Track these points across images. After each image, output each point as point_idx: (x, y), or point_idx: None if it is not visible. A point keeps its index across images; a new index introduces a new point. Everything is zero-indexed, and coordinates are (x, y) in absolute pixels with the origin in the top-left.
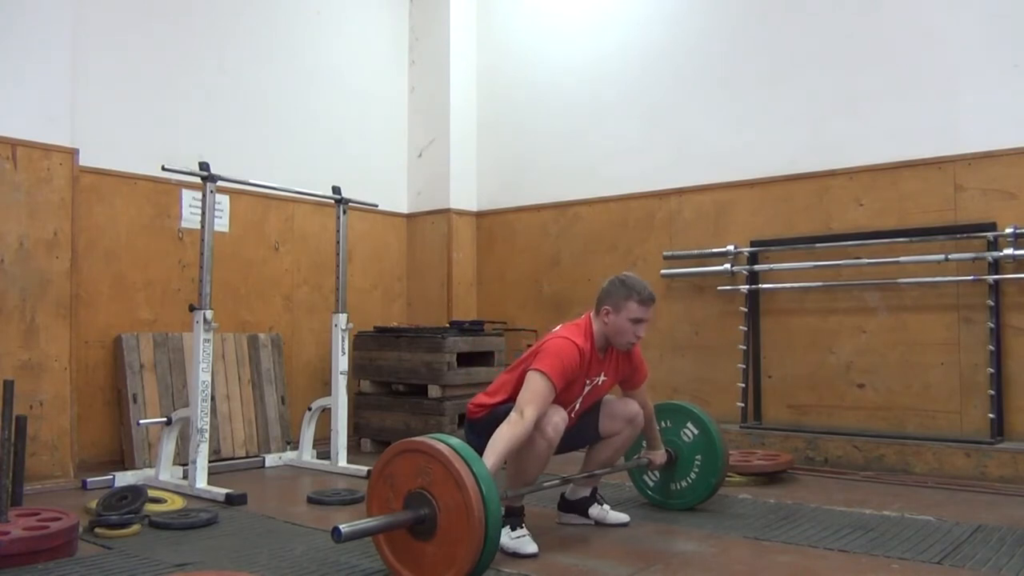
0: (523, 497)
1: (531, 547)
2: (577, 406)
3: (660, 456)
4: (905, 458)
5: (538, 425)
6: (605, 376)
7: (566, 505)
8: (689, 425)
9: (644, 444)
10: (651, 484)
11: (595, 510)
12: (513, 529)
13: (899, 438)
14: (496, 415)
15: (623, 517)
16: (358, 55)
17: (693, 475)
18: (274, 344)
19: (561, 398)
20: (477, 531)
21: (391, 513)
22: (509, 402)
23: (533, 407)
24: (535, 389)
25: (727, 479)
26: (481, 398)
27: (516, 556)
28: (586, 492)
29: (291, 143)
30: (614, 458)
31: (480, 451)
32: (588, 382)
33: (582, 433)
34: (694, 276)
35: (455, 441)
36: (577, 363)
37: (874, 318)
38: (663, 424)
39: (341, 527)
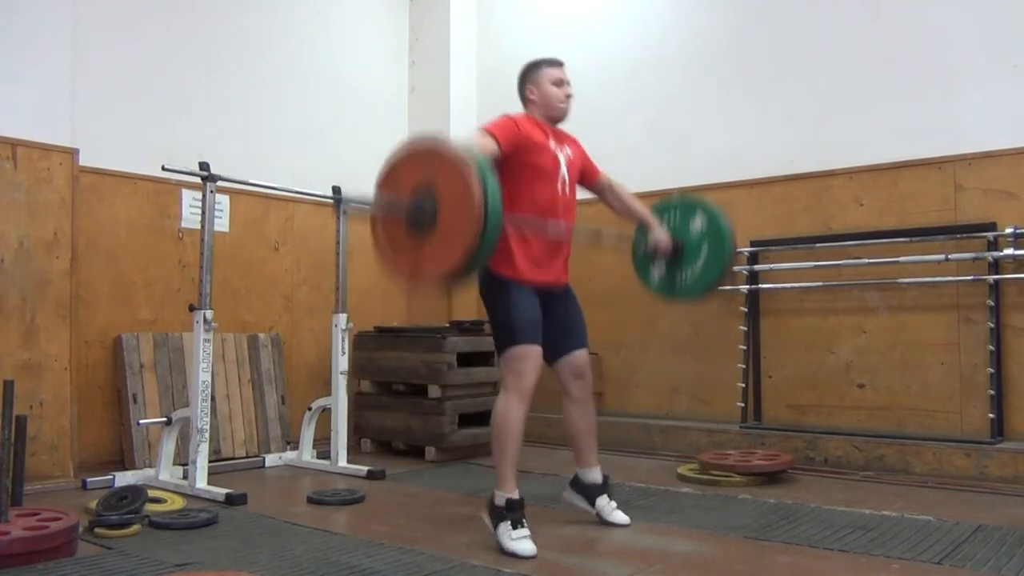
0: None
1: (530, 549)
2: (565, 177)
3: (663, 236)
4: (905, 458)
5: (516, 387)
6: (570, 150)
7: (578, 486)
8: (697, 217)
9: (647, 240)
10: (656, 277)
11: (602, 502)
12: (514, 528)
13: (899, 438)
14: None
15: (625, 519)
16: (358, 55)
17: (699, 264)
18: (274, 344)
19: (540, 164)
20: (476, 220)
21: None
22: None
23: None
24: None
25: (727, 479)
26: None
27: (515, 557)
28: (599, 479)
29: (291, 143)
30: (591, 423)
31: None
32: (556, 149)
33: (555, 334)
34: None
35: (462, 143)
36: (513, 125)
37: (874, 318)
38: (671, 217)
39: (343, 190)
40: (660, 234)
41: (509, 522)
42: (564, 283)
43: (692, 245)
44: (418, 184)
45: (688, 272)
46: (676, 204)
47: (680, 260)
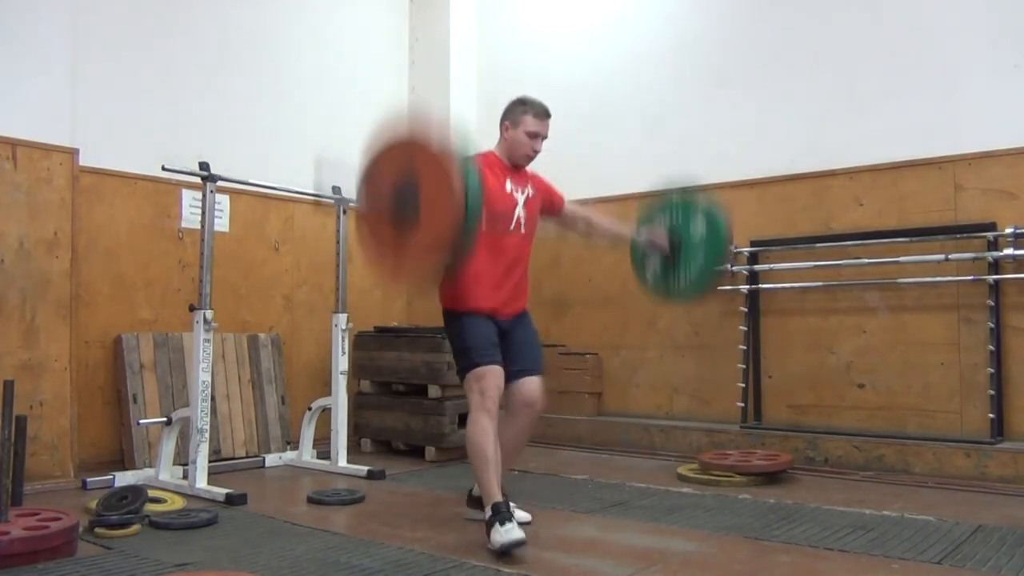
0: (501, 489)
1: (518, 534)
2: (521, 216)
3: (659, 234)
4: (905, 458)
5: (481, 406)
6: (532, 189)
7: (474, 501)
8: (698, 217)
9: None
10: (652, 275)
11: None
12: (502, 524)
13: (899, 438)
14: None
15: (526, 516)
16: (358, 55)
17: (696, 266)
18: (274, 344)
19: (498, 208)
20: (456, 211)
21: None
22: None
23: None
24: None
25: (727, 479)
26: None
27: (508, 546)
28: None
29: (291, 143)
30: (521, 446)
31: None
32: (518, 191)
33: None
34: None
35: (440, 133)
36: (481, 161)
37: (874, 318)
38: (671, 215)
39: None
40: (655, 232)
41: (497, 522)
42: (521, 309)
43: (690, 245)
44: (399, 175)
45: (685, 273)
46: (678, 202)
47: (677, 259)
